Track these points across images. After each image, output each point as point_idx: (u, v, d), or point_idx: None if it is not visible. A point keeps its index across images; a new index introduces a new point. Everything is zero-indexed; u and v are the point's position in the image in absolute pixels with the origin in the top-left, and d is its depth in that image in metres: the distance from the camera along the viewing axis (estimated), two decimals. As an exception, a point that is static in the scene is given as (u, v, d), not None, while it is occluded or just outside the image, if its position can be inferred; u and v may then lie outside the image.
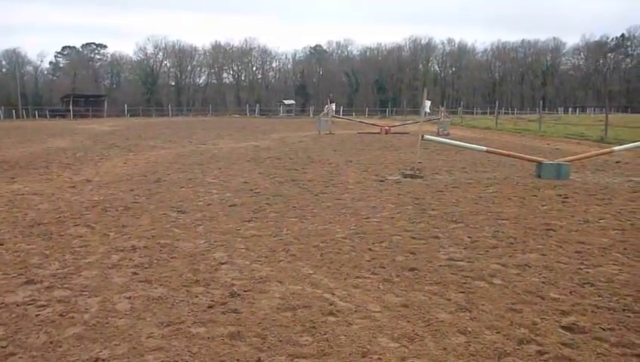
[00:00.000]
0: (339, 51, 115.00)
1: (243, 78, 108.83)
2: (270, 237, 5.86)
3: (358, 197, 8.38)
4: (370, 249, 5.40)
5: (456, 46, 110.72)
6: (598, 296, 4.13)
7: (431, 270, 4.73)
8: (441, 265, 4.87)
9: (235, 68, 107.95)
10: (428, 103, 11.21)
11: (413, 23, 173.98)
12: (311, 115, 64.46)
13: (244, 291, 4.17)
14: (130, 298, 4.03)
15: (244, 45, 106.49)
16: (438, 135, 23.48)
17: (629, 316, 3.76)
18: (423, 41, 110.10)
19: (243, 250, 5.32)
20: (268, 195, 8.42)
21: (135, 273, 4.60)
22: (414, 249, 5.39)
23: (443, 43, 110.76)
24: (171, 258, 5.04)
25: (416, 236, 5.92)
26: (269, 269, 4.73)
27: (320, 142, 20.66)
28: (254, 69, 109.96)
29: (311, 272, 4.67)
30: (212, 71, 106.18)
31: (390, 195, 8.53)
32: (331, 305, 3.91)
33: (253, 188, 9.07)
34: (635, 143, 12.38)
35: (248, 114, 74.32)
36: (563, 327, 3.57)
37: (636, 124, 29.50)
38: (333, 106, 33.57)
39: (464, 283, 4.42)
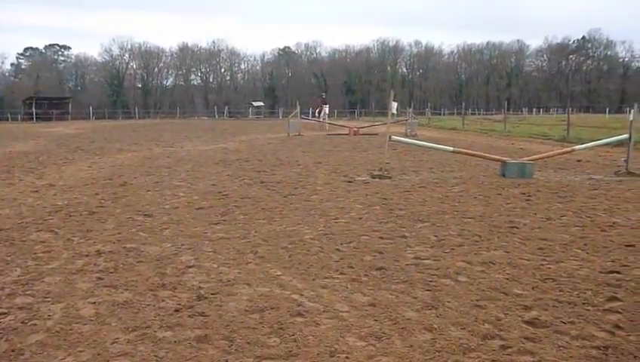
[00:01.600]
0: (307, 53, 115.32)
1: (211, 80, 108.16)
2: (238, 239, 5.84)
3: (327, 198, 8.41)
4: (338, 249, 5.43)
5: (423, 48, 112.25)
6: (560, 291, 4.24)
7: (398, 269, 4.79)
8: (408, 264, 4.93)
9: (203, 69, 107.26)
10: (395, 105, 11.32)
11: (381, 25, 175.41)
12: (280, 117, 64.37)
13: (212, 294, 4.14)
14: (94, 303, 3.97)
15: (212, 47, 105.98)
16: (406, 136, 23.69)
17: (588, 309, 3.87)
18: (390, 44, 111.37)
19: (210, 253, 5.29)
20: (236, 198, 8.38)
21: (100, 278, 4.53)
22: (382, 248, 5.44)
23: (410, 45, 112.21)
24: (137, 262, 4.98)
25: (383, 236, 5.98)
26: (237, 271, 4.71)
27: (289, 144, 20.66)
28: (223, 70, 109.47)
29: (279, 274, 4.67)
30: (179, 73, 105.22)
31: (359, 196, 8.59)
32: (299, 305, 3.92)
33: (221, 191, 9.02)
34: (595, 142, 12.75)
35: (217, 116, 73.84)
36: (526, 322, 3.65)
37: (596, 124, 30.32)
38: (327, 109, 33.96)
39: (430, 281, 4.48)
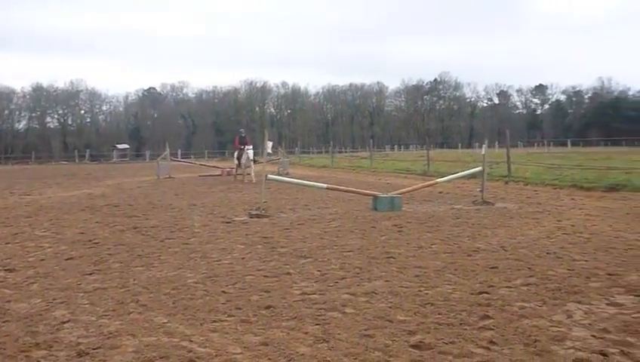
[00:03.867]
0: (174, 94, 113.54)
1: (70, 122, 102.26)
2: (116, 288, 5.54)
3: (207, 240, 8.26)
4: (224, 291, 5.35)
5: (290, 89, 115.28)
6: (439, 314, 4.53)
7: (286, 306, 4.82)
8: (295, 300, 4.98)
9: (60, 111, 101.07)
10: (270, 144, 11.52)
11: (249, 66, 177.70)
12: (147, 159, 62.19)
13: (93, 349, 3.88)
14: (-45, 372, 3.54)
15: (70, 87, 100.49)
16: (279, 174, 24.02)
17: (465, 329, 4.17)
18: (258, 84, 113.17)
19: (87, 306, 4.96)
20: (109, 245, 7.94)
21: (-41, 343, 4.05)
22: (268, 287, 5.46)
23: (277, 86, 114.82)
24: (3, 322, 4.52)
25: (268, 274, 6.00)
26: (119, 323, 4.46)
27: (160, 187, 20.03)
28: (82, 112, 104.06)
29: (165, 321, 4.50)
30: (33, 115, 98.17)
31: (239, 236, 8.54)
32: (190, 352, 3.80)
33: (91, 239, 8.49)
34: (454, 175, 13.85)
35: (78, 160, 69.46)
36: (412, 346, 3.85)
37: (452, 158, 32.92)
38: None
39: (319, 315, 4.56)
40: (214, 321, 4.47)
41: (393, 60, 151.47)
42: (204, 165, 34.61)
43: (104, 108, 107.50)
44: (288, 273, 6.04)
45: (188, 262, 6.75)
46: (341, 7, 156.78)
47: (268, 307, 4.79)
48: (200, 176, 26.75)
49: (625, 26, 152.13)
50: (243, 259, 6.85)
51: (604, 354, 3.63)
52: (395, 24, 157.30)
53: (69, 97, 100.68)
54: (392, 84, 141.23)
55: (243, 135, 23.12)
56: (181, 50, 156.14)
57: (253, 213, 10.83)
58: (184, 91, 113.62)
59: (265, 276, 5.92)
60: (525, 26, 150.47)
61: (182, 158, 51.90)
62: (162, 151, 29.23)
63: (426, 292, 5.20)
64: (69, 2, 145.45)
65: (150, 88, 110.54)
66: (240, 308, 4.79)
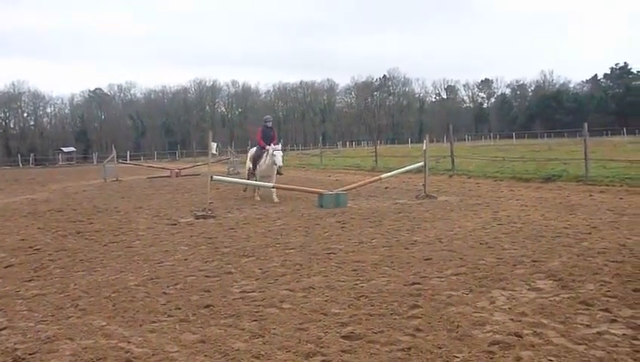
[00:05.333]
0: (121, 95, 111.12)
1: (12, 126, 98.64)
2: (56, 294, 5.53)
3: (150, 242, 8.27)
4: (164, 293, 5.42)
5: (240, 88, 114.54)
6: (371, 306, 4.75)
7: (225, 304, 4.95)
8: (235, 299, 5.12)
9: (1, 114, 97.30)
10: (215, 145, 11.53)
11: (198, 65, 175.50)
12: (95, 162, 60.70)
13: (30, 354, 3.91)
14: None
15: (12, 89, 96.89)
16: (228, 175, 23.98)
17: (395, 318, 4.40)
18: (208, 84, 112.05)
19: (25, 312, 4.95)
20: (50, 251, 7.85)
21: None
22: (209, 286, 5.56)
23: (228, 85, 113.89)
24: (-64, 332, 4.48)
25: (210, 274, 6.10)
26: (57, 328, 4.48)
27: (107, 190, 19.69)
28: (25, 115, 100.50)
29: (104, 324, 4.55)
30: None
31: (183, 238, 8.58)
32: (127, 352, 3.89)
33: (32, 246, 8.37)
34: (398, 170, 14.20)
35: (21, 164, 67.08)
36: (343, 337, 4.05)
37: (401, 154, 33.55)
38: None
39: (257, 311, 4.71)
40: (153, 322, 4.56)
41: (343, 57, 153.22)
42: (153, 167, 34.11)
43: (48, 110, 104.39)
44: (230, 272, 6.16)
45: (130, 265, 6.77)
46: (291, 5, 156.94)
47: (207, 306, 4.91)
48: (148, 178, 26.39)
49: (564, 21, 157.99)
50: (186, 260, 6.92)
51: (519, 336, 3.92)
52: (345, 22, 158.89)
53: (11, 99, 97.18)
54: (343, 81, 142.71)
55: (269, 125, 14.75)
56: (128, 50, 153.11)
57: (199, 214, 10.86)
58: (132, 92, 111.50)
59: (206, 276, 6.02)
60: (470, 22, 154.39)
61: (130, 160, 50.87)
62: (110, 153, 28.63)
63: (362, 285, 5.42)
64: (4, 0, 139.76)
65: (96, 89, 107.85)
66: (180, 308, 4.89)
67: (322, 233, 8.54)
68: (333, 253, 6.94)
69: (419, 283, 5.40)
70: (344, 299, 4.96)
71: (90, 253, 7.60)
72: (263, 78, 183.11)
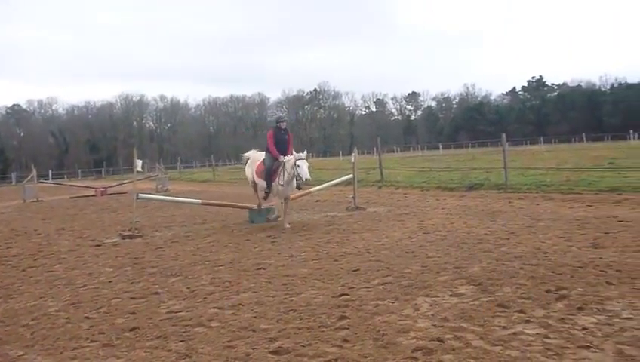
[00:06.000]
0: (42, 111, 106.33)
1: None
2: (-32, 325, 5.22)
3: (73, 265, 7.95)
4: (87, 317, 5.24)
5: (169, 102, 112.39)
6: (300, 319, 4.78)
7: (152, 326, 4.84)
8: (161, 320, 5.01)
9: None
10: (139, 163, 11.23)
11: (123, 80, 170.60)
12: (14, 182, 57.61)
13: (-63, 391, 3.68)
14: None
15: None
16: (157, 191, 23.43)
17: (323, 331, 4.45)
18: (134, 99, 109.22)
19: None
20: (-38, 279, 7.40)
21: None
22: (134, 309, 5.42)
23: (156, 100, 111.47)
24: None
25: (136, 296, 5.94)
26: (-32, 360, 4.24)
27: (26, 212, 18.75)
28: None
29: (21, 354, 4.35)
30: None
31: (108, 259, 8.31)
32: (45, 382, 3.73)
33: (-59, 274, 7.85)
34: (328, 183, 14.35)
35: None
36: (271, 352, 4.06)
37: (333, 166, 33.91)
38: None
39: (184, 332, 4.64)
40: (75, 348, 4.40)
41: (273, 71, 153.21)
42: (76, 185, 32.81)
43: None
44: (157, 293, 6.02)
45: (50, 290, 6.49)
46: (219, 19, 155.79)
47: (133, 329, 4.78)
48: (71, 197, 25.34)
49: (483, 36, 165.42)
50: (110, 282, 6.71)
51: (441, 341, 4.06)
52: (274, 36, 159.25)
53: None
54: (274, 94, 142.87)
55: (284, 126, 11.38)
56: (48, 65, 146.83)
57: (125, 233, 10.54)
58: (54, 107, 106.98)
59: (132, 298, 5.86)
60: (396, 38, 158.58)
61: (53, 179, 48.73)
62: (30, 172, 27.26)
63: (291, 299, 5.44)
64: None
65: (14, 105, 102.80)
66: (103, 333, 4.74)
67: (252, 248, 8.51)
68: (263, 268, 6.93)
69: (347, 295, 5.48)
70: (273, 314, 4.97)
71: (7, 279, 7.23)
72: (192, 93, 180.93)
